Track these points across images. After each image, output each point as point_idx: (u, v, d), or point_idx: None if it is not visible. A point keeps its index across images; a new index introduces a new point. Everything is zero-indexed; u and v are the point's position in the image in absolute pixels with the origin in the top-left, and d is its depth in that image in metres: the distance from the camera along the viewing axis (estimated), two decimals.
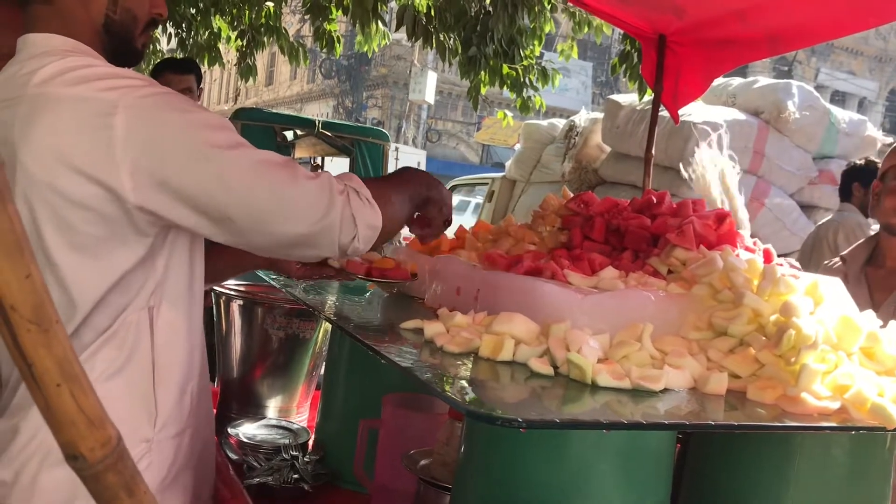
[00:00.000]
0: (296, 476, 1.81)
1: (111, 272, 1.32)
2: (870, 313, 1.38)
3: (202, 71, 3.95)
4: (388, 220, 1.44)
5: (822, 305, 1.38)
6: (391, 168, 7.24)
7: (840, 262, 2.63)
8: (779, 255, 1.77)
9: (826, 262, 2.76)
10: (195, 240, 1.46)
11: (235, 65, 7.20)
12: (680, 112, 3.26)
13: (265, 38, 6.93)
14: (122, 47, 1.45)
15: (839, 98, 29.47)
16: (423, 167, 7.24)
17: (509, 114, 6.41)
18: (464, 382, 1.15)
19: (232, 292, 2.19)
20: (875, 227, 2.68)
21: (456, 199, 12.40)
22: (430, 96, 24.37)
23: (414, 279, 1.80)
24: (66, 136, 1.24)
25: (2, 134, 1.27)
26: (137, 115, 1.24)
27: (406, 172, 1.60)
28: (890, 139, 2.70)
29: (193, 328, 1.51)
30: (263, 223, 1.32)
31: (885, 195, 2.41)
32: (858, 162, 4.81)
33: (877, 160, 4.90)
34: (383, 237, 1.45)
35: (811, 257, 3.85)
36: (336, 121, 9.55)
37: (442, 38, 5.40)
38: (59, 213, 1.25)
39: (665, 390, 1.19)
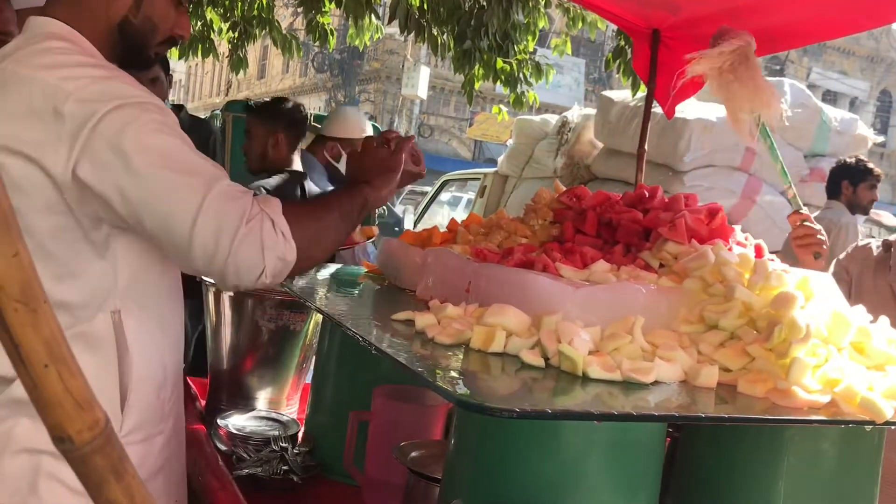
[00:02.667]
0: (285, 468, 1.81)
1: (63, 273, 1.31)
2: (860, 308, 1.38)
3: (169, 62, 3.96)
4: (310, 247, 1.37)
5: (812, 300, 1.39)
6: None
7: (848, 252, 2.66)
8: (770, 252, 1.77)
9: (861, 244, 2.77)
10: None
11: (227, 57, 7.17)
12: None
13: (257, 31, 6.90)
14: (132, 51, 1.46)
15: (831, 97, 29.57)
16: None
17: (504, 109, 6.41)
18: (455, 373, 1.15)
19: None
20: (861, 226, 2.70)
21: (447, 195, 12.38)
22: (422, 91, 24.32)
23: (370, 240, 1.79)
24: (14, 117, 1.24)
25: None
26: (86, 106, 1.24)
27: (342, 192, 1.53)
28: (881, 139, 2.72)
29: (168, 333, 1.49)
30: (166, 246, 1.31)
31: None
32: (848, 160, 4.83)
33: (866, 159, 4.92)
34: (306, 264, 1.40)
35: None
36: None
37: (435, 33, 5.39)
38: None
39: (656, 383, 1.19)
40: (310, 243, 1.37)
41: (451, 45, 5.44)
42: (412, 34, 5.33)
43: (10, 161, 1.24)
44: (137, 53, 1.47)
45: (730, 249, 1.58)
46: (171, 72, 3.79)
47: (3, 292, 0.44)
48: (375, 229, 2.92)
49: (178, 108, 5.33)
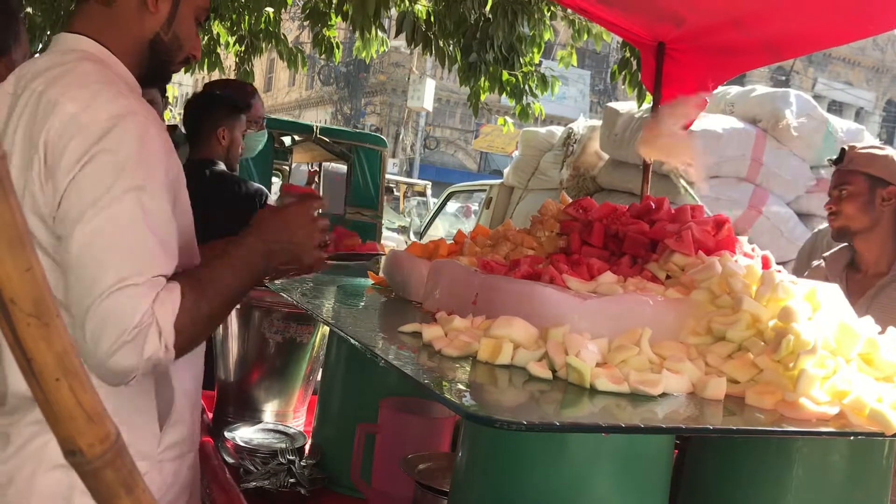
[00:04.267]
0: (292, 480, 1.81)
1: None
2: (868, 319, 1.38)
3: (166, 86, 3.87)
4: (196, 337, 1.30)
5: (820, 311, 1.39)
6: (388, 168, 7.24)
7: (822, 264, 2.67)
8: (777, 263, 1.77)
9: (813, 263, 2.80)
10: None
11: (234, 70, 7.21)
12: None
13: (264, 44, 6.93)
14: (158, 67, 1.48)
15: (836, 108, 29.55)
16: None
17: (510, 120, 6.42)
18: (462, 386, 1.15)
19: None
20: None
21: (454, 206, 12.39)
22: (428, 103, 24.38)
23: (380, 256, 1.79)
24: (47, 137, 1.25)
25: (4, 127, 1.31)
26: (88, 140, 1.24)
27: (242, 248, 1.39)
28: (888, 148, 2.71)
29: (198, 351, 1.53)
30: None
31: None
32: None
33: None
34: (207, 328, 1.34)
35: (808, 264, 3.86)
36: (334, 126, 9.57)
37: (441, 45, 5.41)
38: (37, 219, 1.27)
39: (663, 395, 1.19)
40: (195, 336, 1.30)
41: (459, 57, 5.46)
42: (419, 46, 5.35)
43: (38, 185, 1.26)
44: (162, 70, 1.49)
45: (736, 261, 1.58)
46: (166, 94, 3.77)
47: (16, 307, 0.45)
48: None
49: (171, 129, 5.36)
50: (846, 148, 2.58)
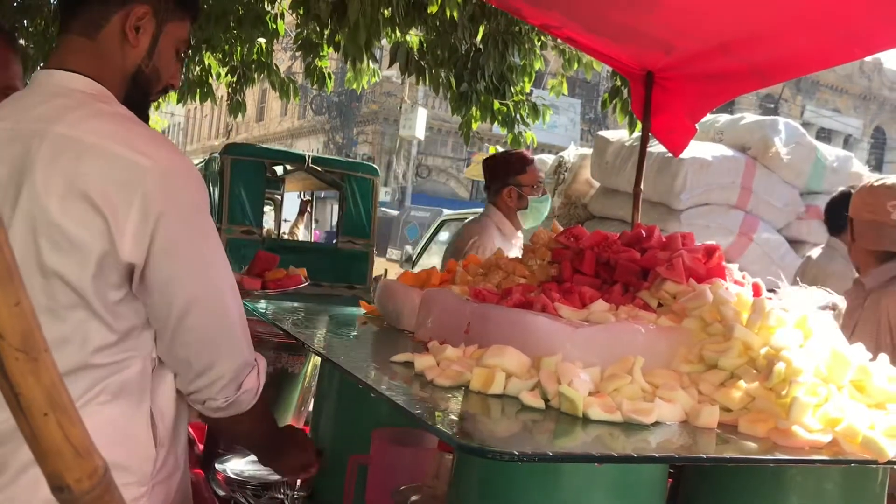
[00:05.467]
0: None
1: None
2: (859, 346, 1.38)
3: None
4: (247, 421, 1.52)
5: (811, 338, 1.39)
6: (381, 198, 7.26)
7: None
8: (768, 290, 1.77)
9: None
10: None
11: (227, 101, 7.24)
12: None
13: (255, 75, 6.97)
14: (140, 99, 1.51)
15: (825, 135, 29.79)
16: None
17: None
18: (454, 416, 1.15)
19: None
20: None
21: (445, 235, 12.39)
22: (420, 132, 24.51)
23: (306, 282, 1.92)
24: (94, 182, 1.27)
25: (14, 165, 1.30)
26: (162, 188, 1.30)
27: (286, 444, 1.70)
28: (876, 175, 2.72)
29: None
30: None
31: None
32: (851, 189, 4.75)
33: None
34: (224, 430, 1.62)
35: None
36: (326, 156, 9.59)
37: (435, 73, 5.44)
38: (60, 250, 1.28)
39: (656, 423, 1.18)
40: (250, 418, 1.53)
41: (453, 85, 5.49)
42: (412, 76, 5.38)
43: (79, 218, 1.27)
44: (143, 101, 1.51)
45: (727, 288, 1.58)
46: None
47: (4, 341, 0.44)
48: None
49: None
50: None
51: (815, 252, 4.31)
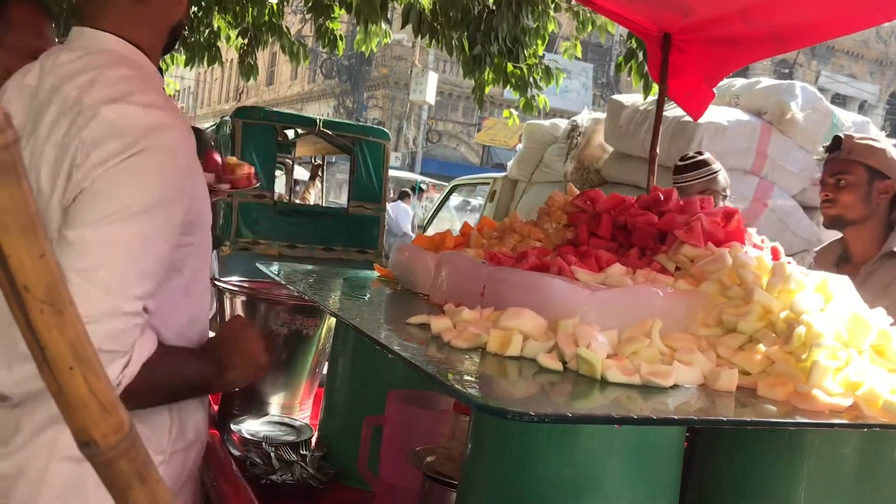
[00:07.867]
0: (299, 473, 1.80)
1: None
2: (880, 310, 1.37)
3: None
4: (139, 399, 1.33)
5: (831, 302, 1.37)
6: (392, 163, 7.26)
7: (812, 260, 2.67)
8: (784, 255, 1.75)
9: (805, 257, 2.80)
10: (191, 260, 1.46)
11: (239, 63, 7.19)
12: (684, 112, 3.26)
13: (267, 37, 6.91)
14: (172, 44, 1.56)
15: (840, 101, 29.45)
16: None
17: (515, 113, 6.40)
18: (471, 377, 1.14)
19: (235, 288, 2.18)
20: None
21: (457, 199, 12.37)
22: (430, 97, 24.35)
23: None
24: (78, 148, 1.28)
25: (27, 127, 1.32)
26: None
27: (211, 370, 1.51)
28: (893, 141, 2.68)
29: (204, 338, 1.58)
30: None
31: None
32: None
33: None
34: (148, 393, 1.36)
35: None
36: (337, 119, 9.55)
37: (448, 35, 5.39)
38: None
39: (675, 386, 1.18)
40: (139, 389, 1.31)
41: (466, 47, 5.44)
42: (425, 38, 5.33)
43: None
44: (174, 44, 1.58)
45: (746, 252, 1.57)
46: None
47: (30, 293, 0.44)
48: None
49: (197, 132, 5.38)
50: (842, 136, 2.54)
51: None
